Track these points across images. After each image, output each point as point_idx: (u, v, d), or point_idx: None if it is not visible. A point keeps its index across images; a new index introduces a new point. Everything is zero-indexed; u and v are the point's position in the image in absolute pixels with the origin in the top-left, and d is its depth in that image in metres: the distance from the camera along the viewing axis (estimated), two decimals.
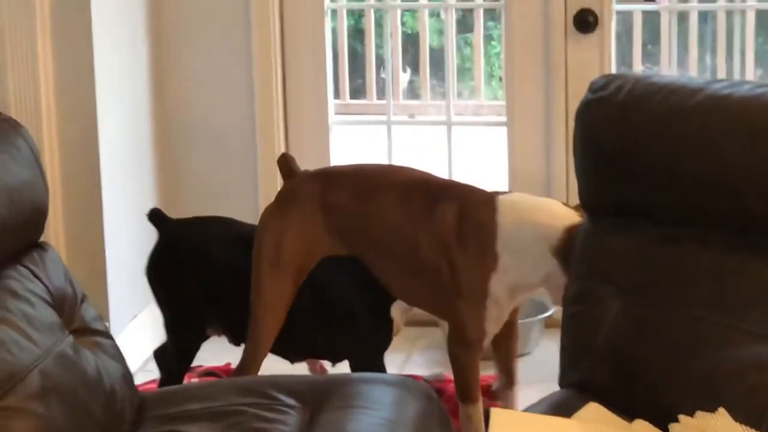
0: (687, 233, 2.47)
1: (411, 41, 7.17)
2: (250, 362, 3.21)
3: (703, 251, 2.43)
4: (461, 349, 3.06)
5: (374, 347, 3.35)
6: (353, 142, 5.04)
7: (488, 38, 7.00)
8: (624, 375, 2.45)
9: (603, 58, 4.13)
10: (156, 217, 3.41)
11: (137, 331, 3.99)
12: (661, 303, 2.45)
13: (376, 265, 3.18)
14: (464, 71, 7.14)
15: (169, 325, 3.41)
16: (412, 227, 3.09)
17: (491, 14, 6.85)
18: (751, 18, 5.74)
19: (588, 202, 2.64)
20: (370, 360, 3.31)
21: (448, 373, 3.75)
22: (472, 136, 5.09)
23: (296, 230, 3.18)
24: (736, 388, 2.29)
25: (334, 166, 3.34)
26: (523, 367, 3.68)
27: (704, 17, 6.16)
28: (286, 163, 3.29)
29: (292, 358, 3.45)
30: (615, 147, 2.55)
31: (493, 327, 3.06)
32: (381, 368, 3.31)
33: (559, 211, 2.95)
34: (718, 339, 2.35)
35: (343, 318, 3.31)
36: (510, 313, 3.14)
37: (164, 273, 3.39)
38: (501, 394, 3.29)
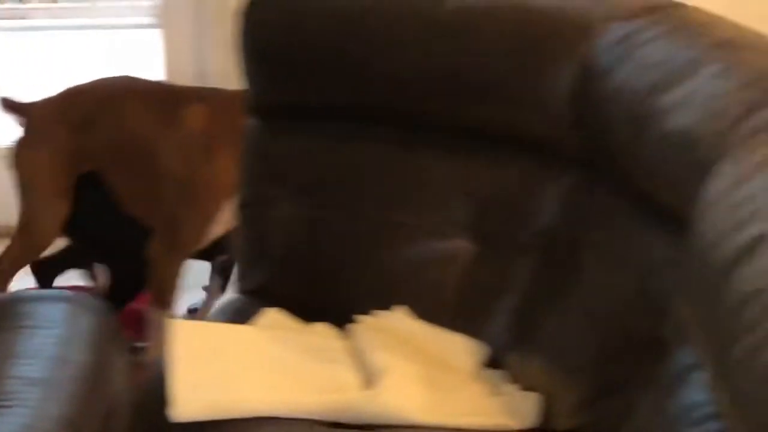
0: (361, 132, 2.45)
1: None
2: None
3: (377, 150, 2.42)
4: (174, 254, 3.03)
5: None
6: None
7: None
8: (301, 279, 2.43)
9: None
10: None
11: None
12: (335, 203, 2.44)
13: (114, 178, 3.10)
14: None
15: None
16: (153, 133, 3.01)
17: None
18: None
19: (257, 104, 2.58)
20: None
21: None
22: (120, 40, 4.91)
23: (49, 150, 3.14)
24: (414, 285, 2.32)
25: (73, 86, 3.24)
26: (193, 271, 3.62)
27: None
28: (10, 104, 3.21)
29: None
30: (284, 45, 2.49)
31: (221, 229, 3.06)
32: None
33: None
34: (394, 237, 2.35)
35: None
36: None
37: None
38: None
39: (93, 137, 3.15)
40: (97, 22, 4.42)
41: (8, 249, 3.22)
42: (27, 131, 3.22)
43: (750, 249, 1.38)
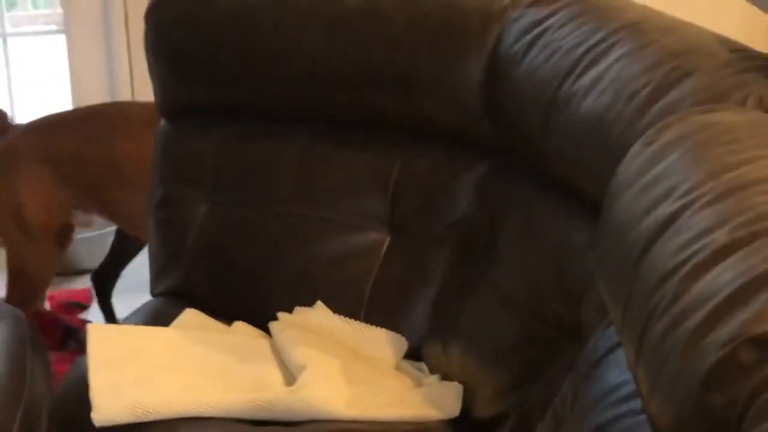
0: (270, 128, 2.45)
1: None
2: None
3: (288, 145, 2.41)
4: None
5: None
6: None
7: None
8: (218, 278, 2.42)
9: None
10: None
11: None
12: (249, 202, 2.43)
13: (125, 206, 3.03)
14: None
15: None
16: None
17: None
18: None
19: (165, 106, 2.56)
20: None
21: None
22: (28, 48, 4.87)
23: (33, 189, 3.00)
24: (332, 280, 2.31)
25: (51, 115, 3.13)
26: None
27: None
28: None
29: None
30: (190, 46, 2.48)
31: None
32: None
33: None
34: (310, 233, 2.35)
35: None
36: None
37: None
38: None
39: (84, 172, 3.05)
40: (9, 30, 4.37)
41: (9, 295, 3.07)
42: (3, 161, 3.06)
43: (662, 229, 1.40)
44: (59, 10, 4.24)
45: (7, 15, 4.38)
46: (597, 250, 1.66)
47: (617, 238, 1.53)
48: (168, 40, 2.51)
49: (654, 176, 1.50)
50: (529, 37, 2.05)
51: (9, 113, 3.17)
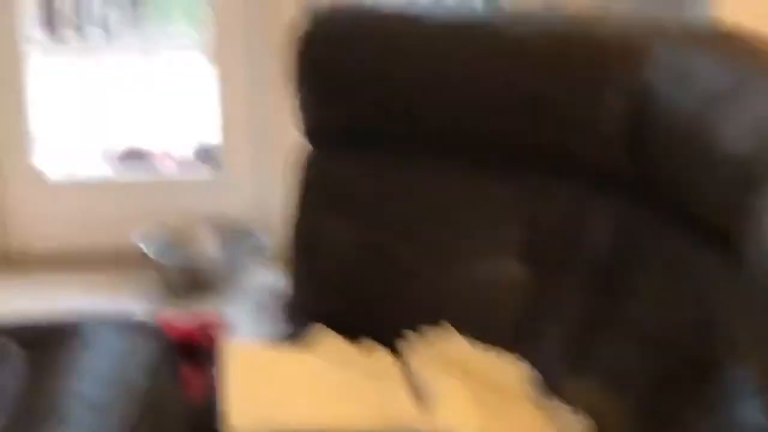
0: (412, 155, 2.47)
1: None
2: None
3: (433, 175, 2.44)
4: None
5: None
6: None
7: None
8: (352, 300, 2.45)
9: None
10: None
11: None
12: (387, 226, 2.46)
13: None
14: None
15: None
16: None
17: None
18: None
19: (314, 133, 2.60)
20: None
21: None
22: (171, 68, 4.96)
23: None
24: (463, 307, 2.33)
25: None
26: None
27: None
28: None
29: None
30: (344, 76, 2.51)
31: None
32: None
33: None
34: (446, 259, 2.37)
35: None
36: None
37: None
38: None
39: None
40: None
41: None
42: None
43: None
44: (206, 35, 4.29)
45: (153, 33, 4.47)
46: (736, 288, 1.64)
47: (757, 276, 1.51)
48: (320, 71, 2.55)
49: None
50: (674, 72, 2.04)
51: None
